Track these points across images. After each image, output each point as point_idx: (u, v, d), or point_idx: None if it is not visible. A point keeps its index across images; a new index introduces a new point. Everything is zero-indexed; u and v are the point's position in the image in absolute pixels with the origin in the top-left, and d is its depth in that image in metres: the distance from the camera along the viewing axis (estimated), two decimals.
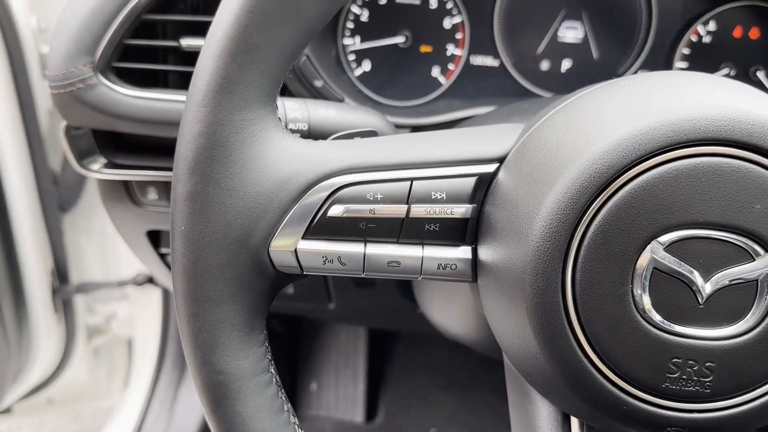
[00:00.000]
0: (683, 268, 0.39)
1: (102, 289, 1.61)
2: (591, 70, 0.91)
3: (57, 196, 1.41)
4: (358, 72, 0.90)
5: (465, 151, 0.47)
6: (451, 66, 0.91)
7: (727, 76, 0.88)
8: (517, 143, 0.47)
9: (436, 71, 0.91)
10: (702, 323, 0.40)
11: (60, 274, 1.50)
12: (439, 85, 0.91)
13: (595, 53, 0.90)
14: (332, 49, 0.87)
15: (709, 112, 0.39)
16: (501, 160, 0.47)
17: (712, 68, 0.88)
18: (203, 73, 0.42)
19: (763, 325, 0.39)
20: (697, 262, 0.39)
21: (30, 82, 1.18)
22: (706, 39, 0.88)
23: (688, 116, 0.39)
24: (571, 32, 0.90)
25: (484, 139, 0.49)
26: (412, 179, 0.45)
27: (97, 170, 0.76)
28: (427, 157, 0.46)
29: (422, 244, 0.47)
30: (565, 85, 0.91)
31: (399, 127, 0.79)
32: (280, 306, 1.13)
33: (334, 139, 0.57)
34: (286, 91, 0.76)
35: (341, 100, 0.76)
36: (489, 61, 0.91)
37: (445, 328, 0.77)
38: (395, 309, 1.07)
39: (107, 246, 1.66)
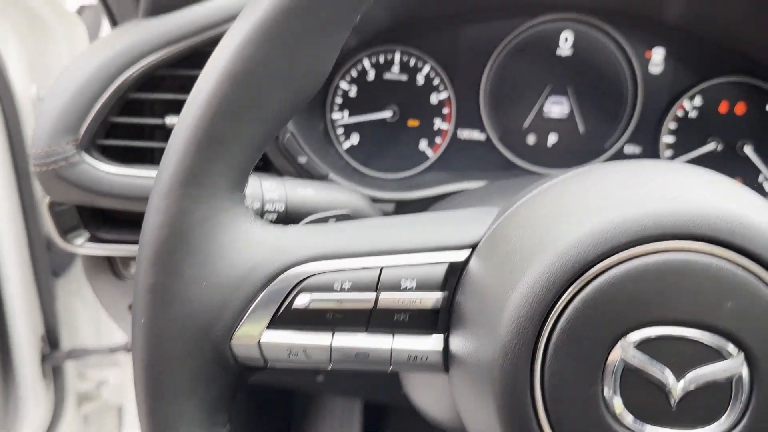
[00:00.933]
0: (654, 368, 0.38)
1: (93, 355, 1.59)
2: (577, 145, 0.91)
3: (50, 261, 1.41)
4: (346, 145, 0.91)
5: (436, 238, 0.46)
6: (438, 140, 0.92)
7: (714, 151, 0.88)
8: (489, 230, 0.46)
9: (423, 145, 0.92)
10: (675, 425, 0.38)
11: (51, 339, 1.48)
12: (427, 158, 0.92)
13: (581, 128, 0.91)
14: (320, 124, 0.88)
15: (679, 207, 0.38)
16: (473, 246, 0.46)
17: (698, 143, 0.88)
18: (168, 164, 0.42)
19: (738, 429, 0.38)
20: (668, 361, 0.38)
21: (26, 149, 1.20)
22: (692, 114, 0.88)
23: (658, 211, 0.38)
24: (556, 107, 0.90)
25: (456, 224, 0.48)
26: (381, 267, 0.45)
27: (81, 245, 0.76)
28: (397, 243, 0.45)
29: (392, 334, 0.45)
30: (552, 159, 0.92)
31: (384, 201, 0.79)
32: (268, 378, 1.10)
33: (308, 222, 0.57)
34: (270, 167, 0.77)
35: (326, 176, 0.76)
36: (476, 135, 0.92)
37: (426, 411, 0.74)
38: (386, 381, 1.04)
39: (100, 310, 1.64)
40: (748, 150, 0.86)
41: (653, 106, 0.89)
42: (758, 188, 0.87)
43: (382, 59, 0.89)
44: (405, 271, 0.45)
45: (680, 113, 0.88)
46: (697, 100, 0.88)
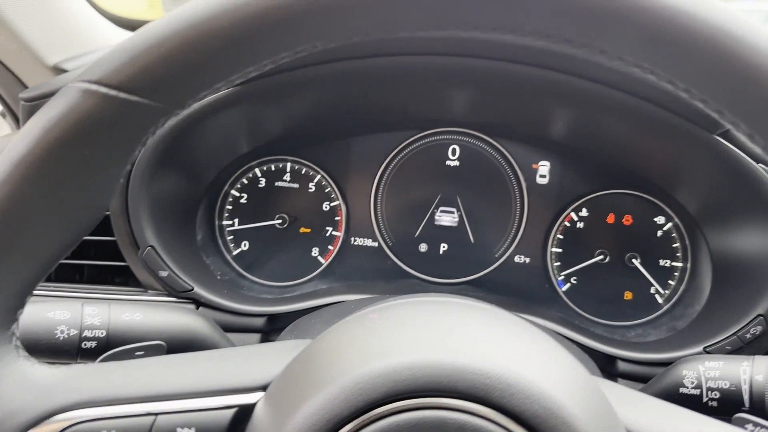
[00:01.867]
0: None
1: None
2: (468, 254, 0.91)
3: None
4: (235, 252, 0.91)
5: (224, 379, 0.44)
6: (330, 247, 0.91)
7: (602, 262, 0.87)
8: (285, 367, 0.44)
9: (315, 251, 0.91)
10: None
11: None
12: (319, 264, 0.91)
13: (471, 237, 0.91)
14: (201, 232, 0.87)
15: (440, 361, 0.36)
16: (265, 388, 0.44)
17: (587, 254, 0.88)
18: None
19: None
20: None
21: None
22: (580, 225, 0.88)
23: (416, 364, 0.36)
24: (447, 216, 0.91)
25: (252, 362, 0.46)
26: (156, 414, 0.42)
27: None
28: (175, 387, 0.43)
29: None
30: (443, 267, 0.91)
31: (254, 315, 0.77)
32: None
33: (107, 356, 0.55)
34: (131, 280, 0.76)
35: (190, 289, 0.75)
36: (368, 243, 0.92)
37: None
38: None
39: None
40: (637, 263, 0.86)
41: (540, 217, 0.89)
42: (651, 300, 0.86)
43: (273, 167, 0.91)
44: (183, 419, 0.42)
45: (568, 224, 0.88)
46: (584, 212, 0.88)
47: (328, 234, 0.92)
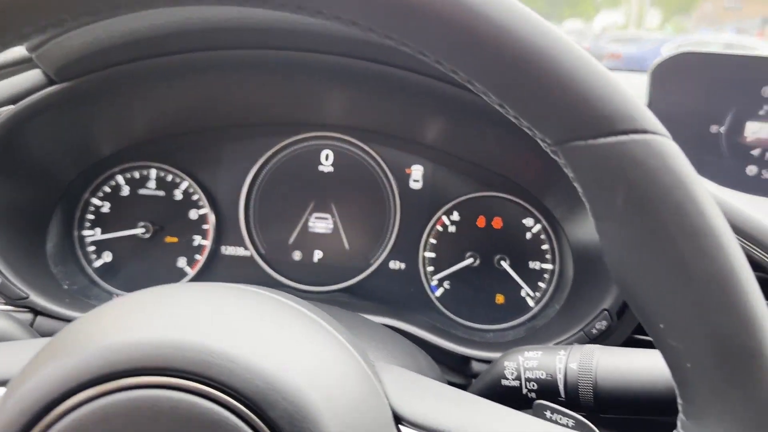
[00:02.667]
0: None
1: None
2: (343, 260, 0.89)
3: None
4: (97, 263, 0.86)
5: None
6: (197, 256, 0.88)
7: (472, 265, 0.86)
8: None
9: (182, 262, 0.88)
10: None
11: None
12: (185, 275, 0.88)
13: (346, 243, 0.89)
14: (50, 241, 0.83)
15: (152, 340, 0.34)
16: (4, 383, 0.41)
17: (458, 257, 0.87)
18: None
19: None
20: None
21: None
22: (451, 228, 0.88)
23: (129, 344, 0.34)
24: (321, 223, 0.89)
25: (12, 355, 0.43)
26: None
27: None
28: None
29: None
30: (318, 274, 0.89)
31: None
32: None
33: None
34: None
35: (25, 297, 0.71)
36: (240, 252, 0.89)
37: None
38: None
39: None
40: (505, 264, 0.85)
41: (414, 222, 0.88)
42: (522, 302, 0.86)
43: (138, 175, 0.87)
44: None
45: (440, 228, 0.88)
46: (455, 215, 0.87)
47: (195, 243, 0.88)
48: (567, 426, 0.47)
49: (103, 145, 0.84)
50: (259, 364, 0.32)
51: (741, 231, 0.59)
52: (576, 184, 0.35)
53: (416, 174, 0.89)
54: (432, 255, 0.88)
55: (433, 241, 0.88)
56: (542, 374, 0.54)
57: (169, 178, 0.88)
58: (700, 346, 0.34)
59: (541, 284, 0.85)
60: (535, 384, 0.54)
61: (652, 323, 0.36)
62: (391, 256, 0.89)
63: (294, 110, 0.87)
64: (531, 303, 0.86)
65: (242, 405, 0.32)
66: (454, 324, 0.86)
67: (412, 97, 0.78)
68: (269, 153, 0.88)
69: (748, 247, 0.59)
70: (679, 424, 0.37)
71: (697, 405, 0.36)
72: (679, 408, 0.36)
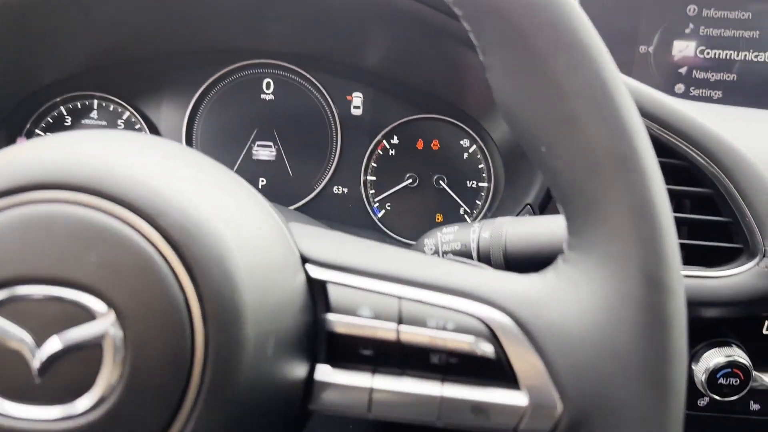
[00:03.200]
0: (14, 333, 0.33)
1: None
2: (287, 187, 0.91)
3: None
4: None
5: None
6: None
7: (411, 185, 0.88)
8: None
9: None
10: (40, 401, 0.33)
11: None
12: None
13: (290, 170, 0.91)
14: None
15: (45, 157, 0.35)
16: None
17: (399, 179, 0.89)
18: None
19: (110, 402, 0.33)
20: (32, 325, 0.34)
21: None
22: (392, 152, 0.90)
23: (18, 162, 0.35)
24: (264, 150, 0.90)
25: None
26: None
27: None
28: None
29: None
30: None
31: None
32: None
33: None
34: None
35: None
36: None
37: None
38: None
39: None
40: (444, 184, 0.88)
41: (356, 147, 0.90)
42: (460, 220, 0.88)
43: (80, 105, 0.88)
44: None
45: (380, 152, 0.90)
46: (395, 139, 0.90)
47: None
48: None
49: (43, 73, 0.84)
50: (157, 181, 0.34)
51: (646, 113, 0.62)
52: (464, 23, 0.37)
53: (357, 101, 0.91)
54: (373, 178, 0.90)
55: (374, 164, 0.90)
56: (458, 245, 0.56)
57: (111, 108, 0.89)
58: (576, 160, 0.36)
59: (478, 201, 0.88)
60: (451, 255, 0.56)
61: (535, 148, 0.38)
62: (334, 181, 0.91)
63: (235, 37, 0.88)
64: (468, 220, 0.88)
65: (136, 215, 0.33)
66: (397, 243, 0.88)
67: (355, 20, 0.80)
68: (209, 81, 0.89)
69: (652, 128, 0.62)
70: (559, 259, 0.39)
71: (577, 225, 0.38)
72: (564, 243, 0.38)
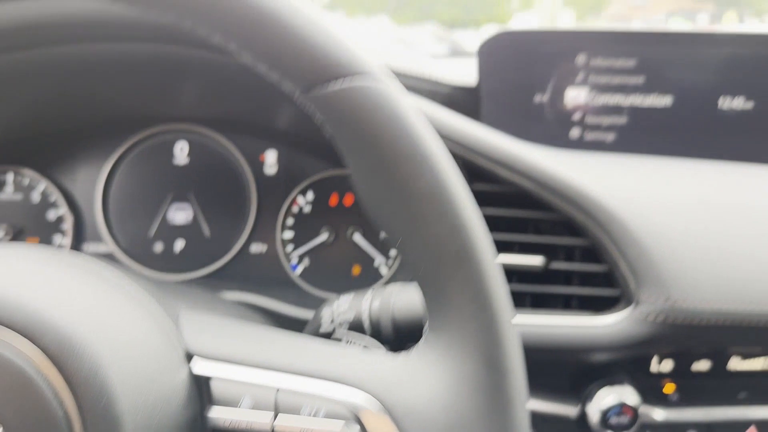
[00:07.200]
0: None
1: None
2: (204, 248, 0.92)
3: None
4: None
5: None
6: None
7: (326, 241, 0.91)
8: None
9: None
10: None
11: None
12: None
13: (206, 231, 0.92)
14: None
15: None
16: None
17: (315, 234, 0.92)
18: None
19: None
20: None
21: None
22: (306, 209, 0.92)
23: None
24: (180, 214, 0.92)
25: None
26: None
27: None
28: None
29: None
30: (180, 264, 0.92)
31: None
32: None
33: None
34: None
35: None
36: (101, 248, 0.91)
37: None
38: None
39: None
40: (357, 237, 0.91)
41: (271, 205, 0.92)
42: (375, 272, 0.91)
43: None
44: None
45: (295, 209, 0.92)
46: (309, 195, 0.92)
47: (57, 243, 0.90)
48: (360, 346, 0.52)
49: None
50: (36, 302, 0.36)
51: (530, 176, 0.67)
52: (326, 128, 0.41)
53: (270, 159, 0.93)
54: (290, 235, 0.92)
55: (290, 222, 0.92)
56: (351, 316, 0.59)
57: (26, 181, 0.89)
58: (424, 254, 0.40)
59: (392, 252, 0.91)
60: (346, 326, 0.59)
61: (393, 240, 0.41)
62: (252, 239, 0.93)
63: (147, 104, 0.90)
64: (384, 271, 0.91)
65: (18, 335, 0.35)
66: (316, 298, 0.91)
67: (260, 82, 0.82)
68: (124, 148, 0.91)
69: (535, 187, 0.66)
70: (423, 337, 0.42)
71: (432, 310, 0.42)
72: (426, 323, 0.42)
